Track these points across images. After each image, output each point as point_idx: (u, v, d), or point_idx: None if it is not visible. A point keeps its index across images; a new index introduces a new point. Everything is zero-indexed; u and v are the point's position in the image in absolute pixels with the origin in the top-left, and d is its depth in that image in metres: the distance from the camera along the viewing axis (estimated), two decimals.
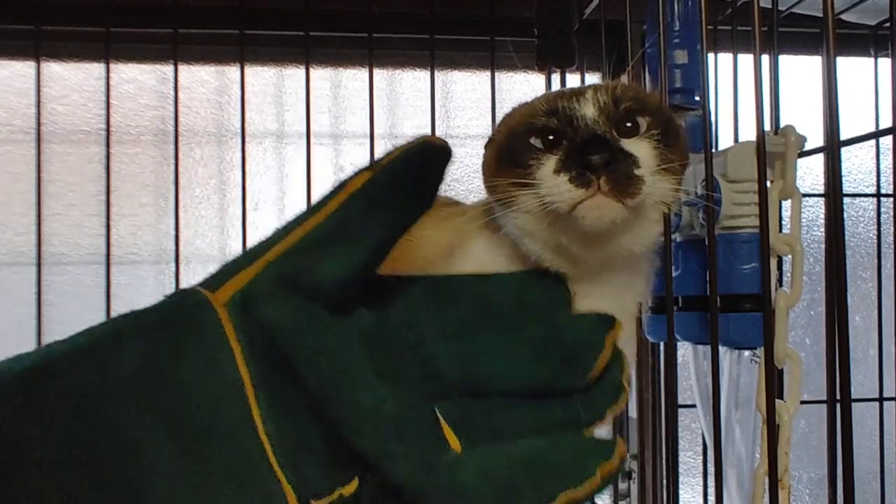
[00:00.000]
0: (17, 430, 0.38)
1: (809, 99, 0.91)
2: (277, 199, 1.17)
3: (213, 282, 0.44)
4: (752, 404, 0.69)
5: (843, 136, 0.59)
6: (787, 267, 0.67)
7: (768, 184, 0.64)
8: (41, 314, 1.03)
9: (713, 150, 0.66)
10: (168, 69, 1.10)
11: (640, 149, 0.51)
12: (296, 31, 1.08)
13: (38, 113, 1.04)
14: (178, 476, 0.39)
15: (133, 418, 0.39)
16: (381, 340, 0.46)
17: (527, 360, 0.47)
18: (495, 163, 0.56)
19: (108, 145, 1.04)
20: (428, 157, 0.46)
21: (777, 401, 0.63)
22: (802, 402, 0.65)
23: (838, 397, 0.55)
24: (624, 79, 1.07)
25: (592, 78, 1.17)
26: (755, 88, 0.60)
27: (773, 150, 0.64)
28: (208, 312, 0.42)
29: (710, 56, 0.94)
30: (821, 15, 0.56)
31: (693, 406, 0.85)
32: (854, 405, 0.55)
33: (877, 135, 0.86)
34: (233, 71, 1.13)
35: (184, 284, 1.04)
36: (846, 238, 0.57)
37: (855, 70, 1.11)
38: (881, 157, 1.10)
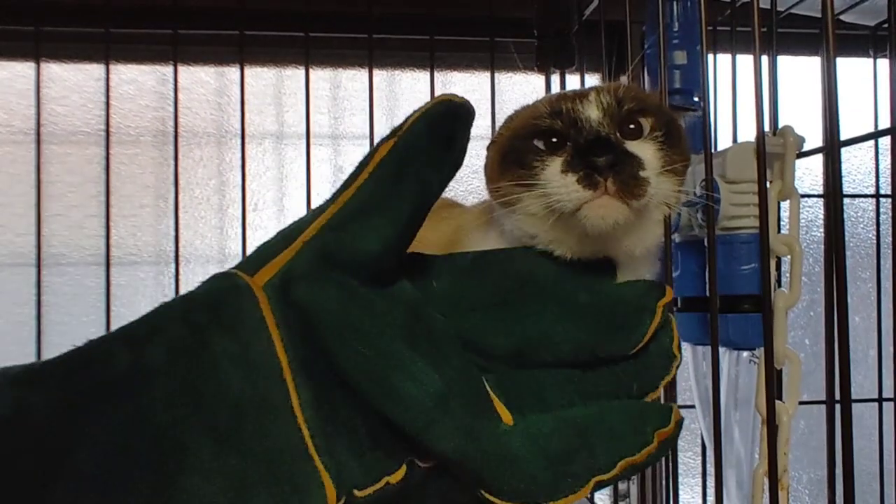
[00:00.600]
0: (51, 419, 0.38)
1: (808, 100, 0.91)
2: (277, 199, 1.17)
3: (252, 264, 0.43)
4: (750, 405, 0.69)
5: (842, 136, 0.59)
6: (785, 268, 0.67)
7: (767, 184, 0.64)
8: (41, 315, 1.03)
9: (712, 151, 0.66)
10: (168, 70, 1.10)
11: (644, 150, 0.52)
12: (295, 31, 1.08)
13: (38, 114, 1.04)
14: (213, 464, 0.38)
15: (167, 406, 0.39)
16: (424, 314, 0.45)
17: (574, 326, 0.45)
18: (498, 165, 0.56)
19: (107, 146, 1.04)
20: (449, 116, 0.45)
21: (776, 401, 0.63)
22: (802, 403, 0.65)
23: (838, 398, 0.55)
24: (624, 80, 1.07)
25: (592, 79, 1.17)
26: (755, 89, 0.60)
27: (771, 151, 0.64)
28: (248, 297, 0.42)
29: (709, 57, 0.94)
30: (820, 16, 0.56)
31: (692, 406, 0.85)
32: (853, 406, 0.56)
33: (876, 135, 0.86)
34: (232, 72, 1.13)
35: (183, 285, 1.05)
36: (845, 239, 0.57)
37: (854, 71, 1.11)
38: (880, 157, 1.10)
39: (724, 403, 0.77)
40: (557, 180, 0.50)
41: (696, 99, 0.81)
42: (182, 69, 1.10)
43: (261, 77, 1.16)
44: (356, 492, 0.41)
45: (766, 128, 0.64)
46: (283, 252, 0.43)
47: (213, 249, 1.16)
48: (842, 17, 1.02)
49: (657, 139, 0.52)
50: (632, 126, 0.52)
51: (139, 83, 1.14)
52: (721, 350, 0.70)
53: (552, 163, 0.51)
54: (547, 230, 0.52)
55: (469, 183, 1.15)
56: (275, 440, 0.40)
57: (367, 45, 1.07)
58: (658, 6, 0.68)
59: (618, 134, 0.52)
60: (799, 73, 1.08)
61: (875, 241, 1.10)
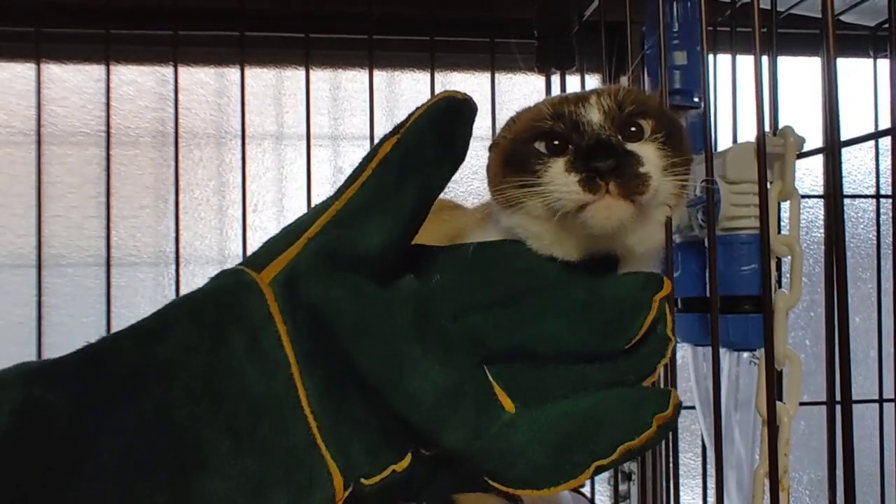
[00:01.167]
0: (70, 416, 0.38)
1: (808, 100, 0.91)
2: (277, 200, 1.17)
3: (258, 260, 0.44)
4: (751, 406, 0.69)
5: (843, 136, 0.59)
6: (786, 268, 0.67)
7: (768, 185, 0.64)
8: (41, 316, 1.03)
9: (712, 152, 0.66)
10: (168, 71, 1.10)
11: (645, 151, 0.52)
12: (296, 32, 1.08)
13: (39, 115, 1.04)
14: (232, 462, 0.39)
15: (186, 404, 0.39)
16: (429, 310, 0.45)
17: (572, 324, 0.46)
18: (501, 167, 0.57)
19: (107, 147, 1.04)
20: (452, 112, 0.46)
21: (777, 402, 0.63)
22: (802, 404, 0.65)
23: (838, 399, 0.55)
24: (624, 81, 1.07)
25: (592, 79, 1.17)
26: (755, 89, 0.59)
27: (771, 152, 0.64)
28: (256, 294, 0.42)
29: (710, 57, 0.94)
30: (820, 16, 0.56)
31: (693, 407, 0.85)
32: (854, 406, 0.55)
33: (876, 136, 0.86)
34: (232, 73, 1.13)
35: (183, 286, 1.05)
36: (846, 239, 0.57)
37: (854, 71, 1.11)
38: (880, 158, 1.10)
39: (725, 404, 0.77)
40: (559, 180, 0.50)
41: (696, 99, 0.81)
42: (182, 70, 1.10)
43: (261, 78, 1.16)
44: (363, 480, 0.42)
45: (767, 128, 0.64)
46: (288, 249, 0.44)
47: (213, 250, 1.16)
48: (842, 18, 1.02)
49: (658, 141, 0.53)
50: (633, 128, 0.53)
51: (139, 84, 1.14)
52: (721, 351, 0.70)
53: (554, 164, 0.51)
54: (549, 230, 0.53)
55: (469, 184, 1.15)
56: (287, 436, 0.41)
57: (367, 46, 1.07)
58: (658, 7, 0.68)
59: (619, 136, 0.52)
60: (799, 73, 1.08)
61: (875, 242, 1.10)
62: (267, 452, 0.40)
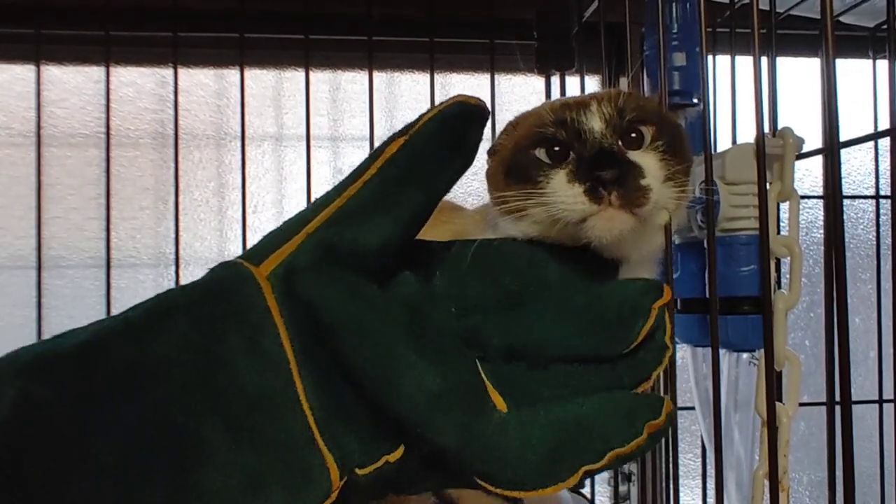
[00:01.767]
0: (66, 411, 0.38)
1: (808, 101, 0.91)
2: (277, 202, 1.17)
3: (256, 254, 0.44)
4: (750, 407, 0.69)
5: (842, 137, 0.59)
6: (785, 269, 0.67)
7: (767, 186, 0.64)
8: (41, 317, 1.03)
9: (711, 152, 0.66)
10: (167, 72, 1.10)
11: (646, 160, 0.53)
12: (295, 34, 1.08)
13: (38, 116, 1.04)
14: (230, 458, 0.39)
15: (183, 399, 0.39)
16: (424, 311, 0.46)
17: (570, 329, 0.46)
18: (502, 175, 0.57)
19: (107, 149, 1.04)
20: (463, 117, 0.46)
21: (776, 403, 0.63)
22: (802, 405, 0.65)
23: (838, 399, 0.55)
24: (623, 82, 1.07)
25: (592, 80, 1.17)
26: (754, 91, 0.60)
27: (771, 152, 0.64)
28: (253, 286, 0.42)
29: (709, 58, 0.94)
30: (819, 17, 0.56)
31: (693, 408, 0.85)
32: (854, 407, 0.56)
33: (875, 136, 0.86)
34: (232, 74, 1.13)
35: None
36: (845, 240, 0.57)
37: (853, 72, 1.11)
38: (880, 158, 1.10)
39: (724, 405, 0.77)
40: (563, 191, 0.51)
41: (695, 100, 0.81)
42: (182, 71, 1.10)
43: (260, 79, 1.16)
44: (358, 471, 0.42)
45: (766, 129, 0.64)
46: (287, 243, 0.44)
47: (212, 251, 1.16)
48: (841, 19, 1.02)
49: (658, 148, 0.53)
50: (633, 135, 0.53)
51: (139, 86, 1.14)
52: (721, 352, 0.70)
53: (556, 174, 0.52)
54: (551, 239, 0.53)
55: (469, 185, 1.15)
56: (286, 431, 0.41)
57: (366, 47, 1.07)
58: (657, 8, 0.68)
59: (620, 143, 0.53)
60: (798, 74, 1.08)
61: (875, 242, 1.10)
62: (265, 447, 0.40)
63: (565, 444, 0.44)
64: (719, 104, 0.95)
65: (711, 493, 0.68)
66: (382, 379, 0.43)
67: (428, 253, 0.50)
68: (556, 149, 0.54)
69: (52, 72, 1.11)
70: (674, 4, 0.80)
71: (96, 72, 1.11)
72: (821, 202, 1.10)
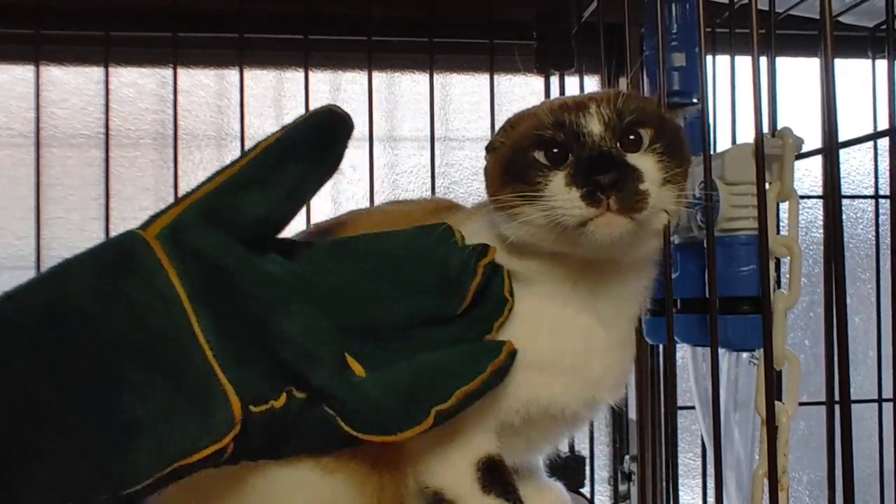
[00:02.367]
0: (6, 357, 0.46)
1: (807, 101, 0.91)
2: None
3: (146, 223, 0.52)
4: (750, 406, 0.69)
5: (841, 137, 0.59)
6: (785, 269, 0.67)
7: (766, 186, 0.64)
8: None
9: (711, 153, 0.67)
10: (168, 73, 1.10)
11: (645, 163, 0.53)
12: (295, 34, 1.08)
13: (38, 117, 1.04)
14: (146, 387, 0.46)
15: (103, 339, 0.46)
16: (294, 273, 0.53)
17: (406, 300, 0.54)
18: (500, 176, 0.57)
19: (106, 149, 1.04)
20: (331, 122, 0.54)
21: (776, 402, 0.63)
22: (802, 404, 0.65)
23: (837, 399, 0.56)
24: (623, 83, 1.07)
25: (592, 81, 1.17)
26: (753, 91, 0.60)
27: (770, 153, 0.65)
28: (142, 244, 0.50)
29: (708, 58, 0.94)
30: (818, 17, 0.56)
31: (692, 408, 0.85)
32: (853, 406, 0.56)
33: (874, 136, 0.86)
34: (232, 74, 1.13)
35: None
36: (845, 239, 0.57)
37: (852, 72, 1.11)
38: (879, 158, 1.10)
39: (724, 405, 0.77)
40: (561, 195, 0.51)
41: (695, 100, 0.81)
42: (182, 72, 1.10)
43: (260, 80, 1.16)
44: (252, 408, 0.48)
45: (765, 129, 0.64)
46: (172, 209, 0.52)
47: None
48: (840, 19, 1.02)
49: (657, 151, 0.53)
50: (632, 137, 0.54)
51: (139, 86, 1.14)
52: (721, 351, 0.70)
53: (555, 177, 0.52)
54: (551, 240, 0.53)
55: (469, 185, 1.15)
56: (188, 362, 0.47)
57: (366, 48, 1.07)
58: (656, 8, 0.68)
59: (619, 146, 0.53)
60: (798, 74, 1.08)
61: (874, 242, 1.10)
62: (172, 377, 0.47)
63: (418, 389, 0.51)
64: (719, 104, 0.95)
65: (712, 492, 0.69)
66: (265, 314, 0.50)
67: (295, 246, 0.57)
68: (555, 150, 0.54)
69: (52, 72, 1.11)
70: (673, 5, 0.80)
71: (97, 72, 1.11)
72: (820, 202, 1.10)
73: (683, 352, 0.86)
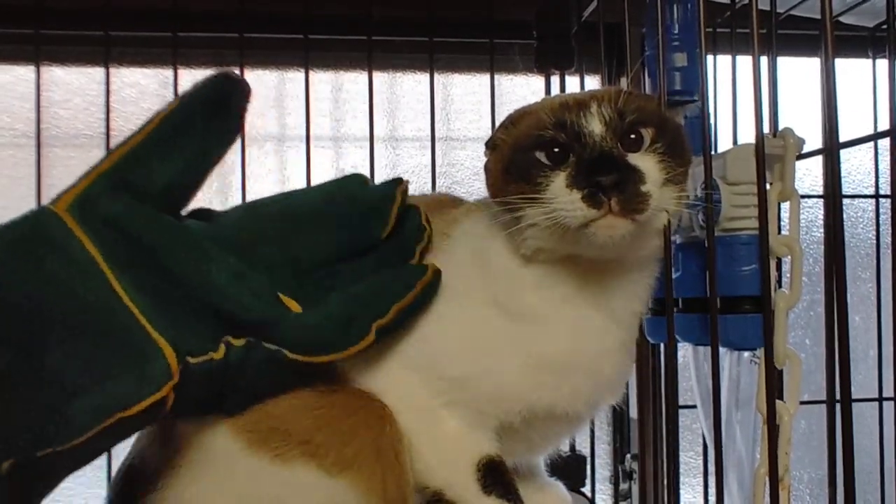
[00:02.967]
0: None
1: (809, 101, 0.91)
2: None
3: (55, 198, 0.53)
4: (752, 405, 0.69)
5: (842, 137, 0.59)
6: (786, 268, 0.67)
7: (767, 186, 0.65)
8: None
9: (713, 153, 0.67)
10: (170, 73, 1.10)
11: (646, 163, 0.53)
12: (295, 34, 1.08)
13: (38, 117, 1.04)
14: (64, 342, 0.47)
15: (20, 295, 0.48)
16: (213, 229, 0.56)
17: (334, 230, 0.58)
18: (501, 175, 0.57)
19: (107, 149, 1.03)
20: (227, 86, 0.57)
21: (777, 401, 0.63)
22: (802, 403, 0.65)
23: (838, 397, 0.56)
24: (623, 83, 1.07)
25: (592, 80, 1.17)
26: (754, 91, 0.60)
27: (772, 153, 0.65)
28: (51, 217, 0.51)
29: (710, 58, 0.94)
30: (819, 17, 0.57)
31: (694, 406, 0.85)
32: (854, 405, 0.56)
33: (875, 137, 0.86)
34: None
35: None
36: (845, 239, 0.57)
37: (853, 72, 1.12)
38: (879, 158, 1.10)
39: (726, 404, 0.77)
40: (563, 197, 0.51)
41: (696, 98, 0.81)
42: (184, 72, 1.10)
43: (262, 79, 1.16)
44: (190, 359, 0.49)
45: (766, 129, 0.64)
46: (80, 183, 0.53)
47: None
48: (841, 19, 1.02)
49: (658, 150, 0.53)
50: (633, 136, 0.54)
51: (142, 86, 1.14)
52: (722, 351, 0.70)
53: (556, 178, 0.52)
54: (554, 241, 0.54)
55: (471, 185, 1.16)
56: (115, 322, 0.49)
57: (366, 48, 1.07)
58: (657, 8, 0.69)
59: (619, 146, 0.53)
60: (800, 74, 1.08)
61: (875, 242, 1.10)
62: (102, 339, 0.48)
63: (355, 310, 0.54)
64: (720, 104, 0.95)
65: (713, 490, 0.69)
66: (191, 267, 0.52)
67: (208, 212, 0.60)
68: (556, 150, 0.54)
69: (54, 73, 1.11)
70: (675, 5, 0.80)
71: (99, 72, 1.10)
72: (821, 201, 1.10)
73: (685, 351, 0.86)
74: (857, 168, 1.23)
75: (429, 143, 1.06)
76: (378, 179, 1.08)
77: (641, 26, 0.85)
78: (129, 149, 0.54)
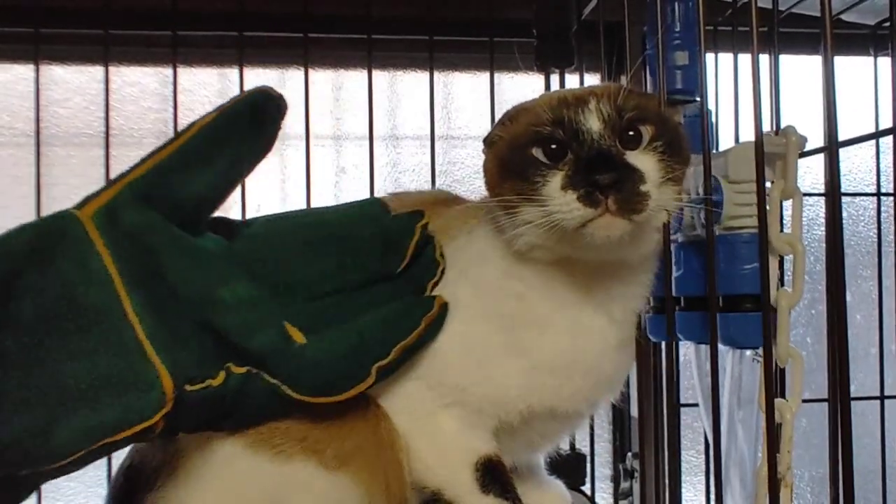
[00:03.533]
0: None
1: (811, 99, 0.91)
2: (279, 200, 1.17)
3: (81, 203, 0.52)
4: (754, 403, 0.69)
5: (844, 135, 0.59)
6: (788, 266, 0.67)
7: (770, 184, 0.64)
8: None
9: (714, 151, 0.67)
10: (170, 72, 1.10)
11: (645, 161, 0.52)
12: (295, 33, 1.08)
13: (37, 116, 1.04)
14: (59, 355, 0.46)
15: (27, 302, 0.47)
16: (229, 249, 0.55)
17: (351, 260, 0.57)
18: (498, 172, 0.57)
19: (107, 148, 1.03)
20: (264, 103, 0.56)
21: (779, 400, 0.63)
22: (804, 401, 0.65)
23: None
24: (623, 81, 1.07)
25: (592, 78, 1.17)
26: (753, 89, 0.60)
27: (773, 151, 0.64)
28: (74, 223, 0.50)
29: (711, 56, 0.94)
30: (820, 15, 0.56)
31: (696, 405, 0.85)
32: (856, 403, 0.56)
33: (876, 135, 0.86)
34: (234, 73, 1.13)
35: None
36: (847, 237, 0.57)
37: (855, 70, 1.11)
38: (881, 156, 1.10)
39: (728, 402, 0.77)
40: (559, 198, 0.51)
41: (697, 98, 0.81)
42: (184, 71, 1.10)
43: (262, 79, 1.16)
44: (188, 387, 0.48)
45: (768, 127, 0.64)
46: (107, 191, 0.52)
47: None
48: (842, 17, 1.02)
49: (657, 149, 0.53)
50: (631, 133, 0.53)
51: (142, 85, 1.14)
52: (724, 349, 0.70)
53: (553, 177, 0.52)
54: (552, 241, 0.53)
55: (471, 184, 1.15)
56: (118, 339, 0.48)
57: (366, 46, 1.06)
58: (657, 7, 0.68)
59: (618, 144, 0.53)
60: (803, 72, 1.07)
61: (876, 240, 1.10)
62: (103, 356, 0.47)
63: (358, 348, 0.53)
64: (722, 102, 0.95)
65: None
66: (201, 287, 0.51)
67: (231, 223, 0.59)
68: (554, 147, 0.54)
69: (55, 72, 1.11)
70: (675, 3, 0.80)
71: (99, 71, 1.10)
72: (822, 200, 1.10)
73: (686, 349, 0.86)
74: (859, 166, 1.23)
75: (429, 142, 1.06)
76: (378, 178, 1.10)
77: (642, 25, 0.85)
78: (160, 159, 0.53)
